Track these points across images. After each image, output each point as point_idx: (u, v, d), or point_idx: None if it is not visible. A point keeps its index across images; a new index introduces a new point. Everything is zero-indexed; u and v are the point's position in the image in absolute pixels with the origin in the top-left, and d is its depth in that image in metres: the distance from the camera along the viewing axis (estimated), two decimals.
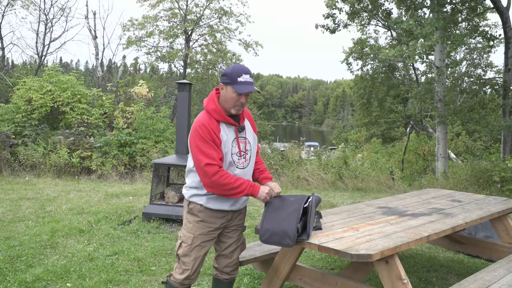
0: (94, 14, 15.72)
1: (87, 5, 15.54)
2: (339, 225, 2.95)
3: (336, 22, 12.59)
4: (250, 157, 2.62)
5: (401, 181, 10.00)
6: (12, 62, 22.44)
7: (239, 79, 2.42)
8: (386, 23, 16.14)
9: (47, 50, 16.25)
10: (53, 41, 16.40)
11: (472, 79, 12.82)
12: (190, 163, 2.60)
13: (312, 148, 16.91)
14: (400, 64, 18.59)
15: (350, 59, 18.36)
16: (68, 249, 4.36)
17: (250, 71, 2.51)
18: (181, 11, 18.20)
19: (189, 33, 18.46)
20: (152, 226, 5.31)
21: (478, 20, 13.06)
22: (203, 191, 2.55)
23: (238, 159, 2.54)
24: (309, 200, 2.66)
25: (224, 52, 19.35)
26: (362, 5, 11.47)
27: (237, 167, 2.55)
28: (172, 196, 5.69)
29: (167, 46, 18.94)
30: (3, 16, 16.24)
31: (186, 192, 2.67)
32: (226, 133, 2.50)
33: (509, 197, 7.74)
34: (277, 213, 2.57)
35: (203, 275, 3.80)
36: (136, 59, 22.40)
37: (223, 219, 2.63)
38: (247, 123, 2.66)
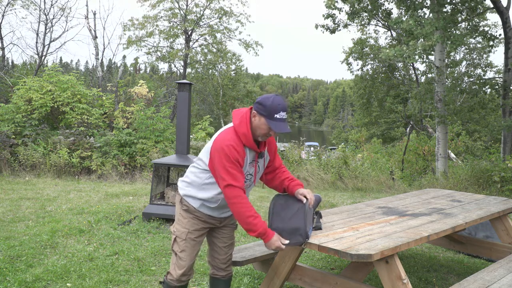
0: (94, 14, 15.71)
1: (87, 5, 15.51)
2: (339, 225, 2.96)
3: (336, 22, 12.60)
4: (254, 180, 2.65)
5: (401, 181, 10.00)
6: (12, 62, 22.48)
7: (276, 115, 2.36)
8: (386, 23, 16.14)
9: (47, 50, 16.24)
10: (53, 41, 16.39)
11: (472, 79, 12.80)
12: (199, 164, 2.58)
13: (312, 148, 16.90)
14: (400, 64, 18.58)
15: (350, 59, 18.37)
16: (68, 249, 4.36)
17: (286, 106, 2.42)
18: (181, 11, 18.21)
19: (189, 33, 18.46)
20: (152, 226, 5.31)
21: (478, 20, 13.06)
22: (200, 197, 2.56)
23: (245, 181, 2.56)
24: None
25: (224, 52, 19.37)
26: (362, 5, 11.47)
27: None
28: (172, 196, 5.69)
29: (167, 46, 18.96)
30: (3, 16, 16.23)
31: (182, 187, 2.66)
32: (247, 157, 2.50)
33: (509, 197, 7.74)
34: (283, 213, 2.58)
35: (203, 275, 3.80)
36: (136, 59, 22.38)
37: (215, 220, 2.68)
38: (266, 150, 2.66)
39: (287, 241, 2.46)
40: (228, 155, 2.37)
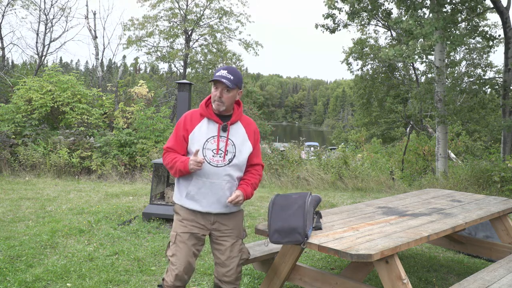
0: (94, 14, 15.72)
1: (87, 5, 15.52)
2: (339, 225, 2.96)
3: (336, 22, 12.60)
4: (231, 159, 2.57)
5: (401, 181, 10.00)
6: (12, 62, 22.48)
7: (216, 73, 2.54)
8: (386, 23, 16.14)
9: (47, 50, 16.25)
10: (53, 41, 16.40)
11: (472, 79, 12.81)
12: None
13: (312, 148, 16.92)
14: (400, 64, 18.58)
15: (350, 59, 18.37)
16: (68, 249, 4.36)
17: (234, 70, 2.58)
18: (181, 11, 18.20)
19: (189, 33, 18.45)
20: (152, 226, 5.31)
21: (478, 20, 13.06)
22: (180, 192, 2.66)
23: (213, 156, 2.55)
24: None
25: (224, 52, 19.33)
26: (362, 5, 11.47)
27: (209, 163, 2.54)
28: (172, 196, 5.69)
29: (167, 46, 18.94)
30: (3, 16, 16.22)
31: None
32: (206, 128, 2.58)
33: (509, 197, 7.74)
34: (282, 212, 2.58)
35: (203, 275, 3.80)
36: (136, 59, 22.36)
37: (203, 219, 2.61)
38: (239, 128, 2.64)
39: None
40: (177, 123, 2.67)
